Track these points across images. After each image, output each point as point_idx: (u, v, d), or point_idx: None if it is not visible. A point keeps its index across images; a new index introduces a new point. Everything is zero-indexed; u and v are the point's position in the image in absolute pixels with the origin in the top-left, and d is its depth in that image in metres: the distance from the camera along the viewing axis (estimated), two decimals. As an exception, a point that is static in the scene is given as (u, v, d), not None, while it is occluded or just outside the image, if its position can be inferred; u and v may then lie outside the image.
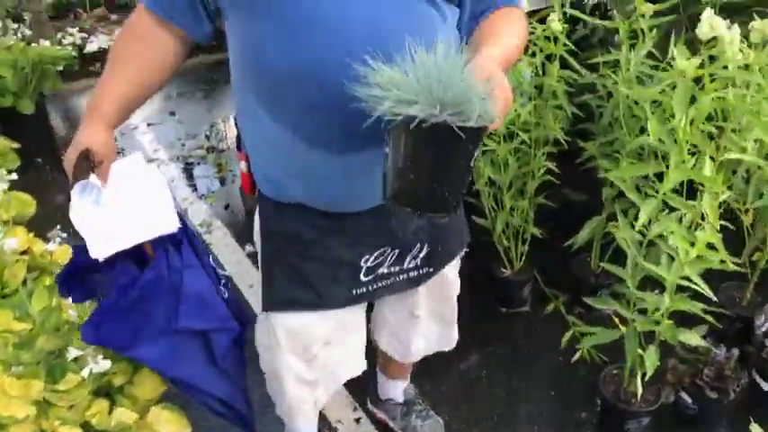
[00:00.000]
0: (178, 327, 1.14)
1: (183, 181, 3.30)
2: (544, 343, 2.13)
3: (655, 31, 1.88)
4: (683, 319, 1.55)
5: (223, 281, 1.25)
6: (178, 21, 1.11)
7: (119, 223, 1.11)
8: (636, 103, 1.88)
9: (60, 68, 3.83)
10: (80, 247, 1.14)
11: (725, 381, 1.69)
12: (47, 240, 1.92)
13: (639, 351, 1.57)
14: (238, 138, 1.25)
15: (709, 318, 1.50)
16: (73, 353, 1.28)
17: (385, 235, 1.22)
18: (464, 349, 2.19)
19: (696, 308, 1.41)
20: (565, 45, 1.91)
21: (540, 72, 1.96)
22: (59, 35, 4.80)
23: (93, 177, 1.09)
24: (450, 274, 1.43)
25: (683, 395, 1.74)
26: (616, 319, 1.63)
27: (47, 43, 4.04)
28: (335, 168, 1.09)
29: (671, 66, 1.73)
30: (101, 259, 1.08)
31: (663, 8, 1.86)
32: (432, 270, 1.33)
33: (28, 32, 4.45)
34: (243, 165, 1.25)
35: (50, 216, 2.11)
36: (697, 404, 1.73)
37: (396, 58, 0.89)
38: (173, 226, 1.13)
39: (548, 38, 1.91)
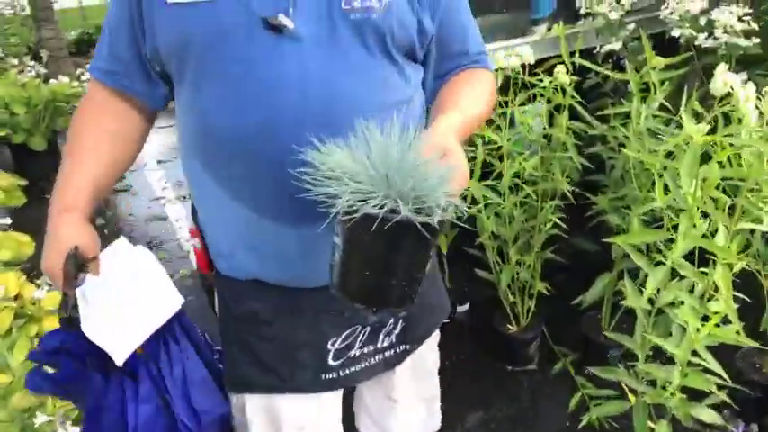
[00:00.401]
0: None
1: (188, 221, 3.27)
2: (551, 404, 2.02)
3: (667, 83, 1.81)
4: (697, 391, 1.44)
5: (217, 356, 1.17)
6: (131, 89, 1.05)
7: (128, 318, 1.02)
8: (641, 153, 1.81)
9: (74, 105, 3.86)
10: (53, 333, 1.06)
11: (743, 458, 1.57)
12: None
13: (650, 424, 1.47)
14: (193, 211, 1.16)
15: (723, 395, 1.39)
16: (41, 418, 1.22)
17: (352, 313, 1.11)
18: (467, 408, 2.11)
19: (709, 383, 1.31)
20: (573, 97, 1.84)
21: (548, 123, 1.90)
22: (78, 71, 4.86)
23: (88, 277, 1.00)
24: (429, 348, 1.31)
25: (698, 472, 1.63)
26: (626, 387, 1.53)
27: (66, 79, 4.09)
28: (289, 241, 1.02)
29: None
30: (121, 363, 1.00)
31: (676, 61, 1.80)
32: (408, 348, 1.20)
33: (43, 71, 4.50)
34: (196, 241, 1.16)
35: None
36: (713, 482, 1.62)
37: (349, 138, 0.85)
38: (178, 303, 1.07)
39: (555, 89, 1.85)
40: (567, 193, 1.88)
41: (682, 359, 1.28)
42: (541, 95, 1.86)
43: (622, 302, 1.75)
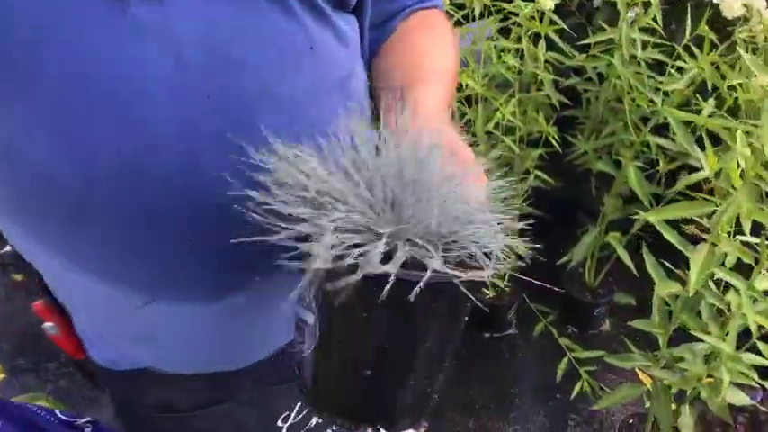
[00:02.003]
0: None
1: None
2: (536, 371, 1.85)
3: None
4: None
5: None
6: None
7: None
8: (635, 89, 1.56)
9: None
10: None
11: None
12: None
13: (673, 405, 1.29)
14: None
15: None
16: None
17: None
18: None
19: (751, 376, 1.12)
20: (553, 22, 1.54)
21: (520, 60, 1.60)
22: None
23: None
24: None
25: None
26: (639, 372, 1.34)
27: None
28: (200, 322, 0.70)
29: (689, 55, 1.41)
30: None
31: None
32: None
33: None
34: (50, 326, 0.78)
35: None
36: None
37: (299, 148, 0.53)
38: None
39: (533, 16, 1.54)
40: (553, 140, 1.62)
41: (728, 351, 1.08)
42: (518, 25, 1.55)
43: (614, 247, 1.57)
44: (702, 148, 1.26)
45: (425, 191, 0.50)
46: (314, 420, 0.86)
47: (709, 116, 1.40)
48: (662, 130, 1.56)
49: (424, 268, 0.45)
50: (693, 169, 1.51)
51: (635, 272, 1.56)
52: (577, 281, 1.90)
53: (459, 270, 0.47)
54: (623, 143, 1.62)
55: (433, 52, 0.75)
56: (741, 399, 1.25)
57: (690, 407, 1.27)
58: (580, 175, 1.78)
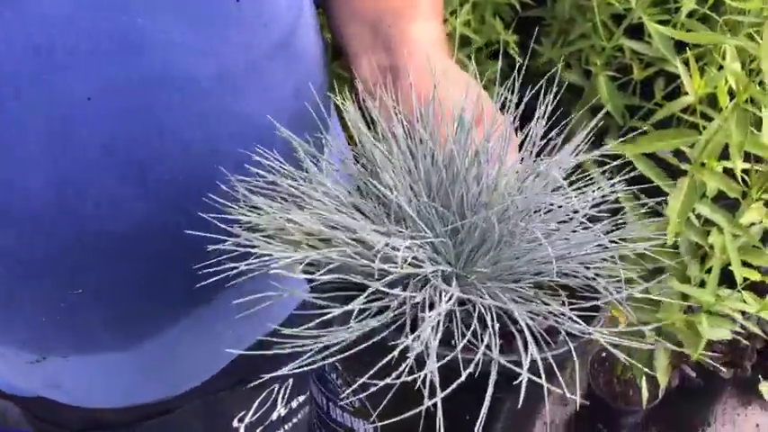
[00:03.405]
0: None
1: None
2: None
3: None
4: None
5: None
6: None
7: None
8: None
9: None
10: None
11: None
12: None
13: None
14: None
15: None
16: None
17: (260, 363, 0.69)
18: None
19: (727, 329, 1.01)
20: None
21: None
22: None
23: None
24: None
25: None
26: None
27: None
28: (107, 372, 0.58)
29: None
30: None
31: None
32: None
33: None
34: None
35: None
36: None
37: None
38: None
39: None
40: (513, 49, 1.42)
41: (708, 300, 0.96)
42: None
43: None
44: (681, 50, 1.10)
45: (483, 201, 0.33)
46: (275, 414, 0.77)
47: (689, 15, 1.23)
48: (636, 32, 1.37)
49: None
50: (671, 77, 1.34)
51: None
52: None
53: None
54: (594, 49, 1.44)
55: None
56: (722, 334, 1.15)
57: (664, 350, 1.18)
58: (547, 88, 1.60)
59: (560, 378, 0.32)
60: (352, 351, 0.29)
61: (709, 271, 0.99)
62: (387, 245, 0.29)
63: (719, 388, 1.48)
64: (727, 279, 1.00)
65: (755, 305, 0.92)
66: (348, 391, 0.31)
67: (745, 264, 0.95)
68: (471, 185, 0.32)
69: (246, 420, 0.75)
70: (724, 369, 1.39)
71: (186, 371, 0.63)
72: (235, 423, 0.75)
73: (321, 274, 0.30)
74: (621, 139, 0.97)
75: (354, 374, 0.32)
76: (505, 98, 0.40)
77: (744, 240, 0.94)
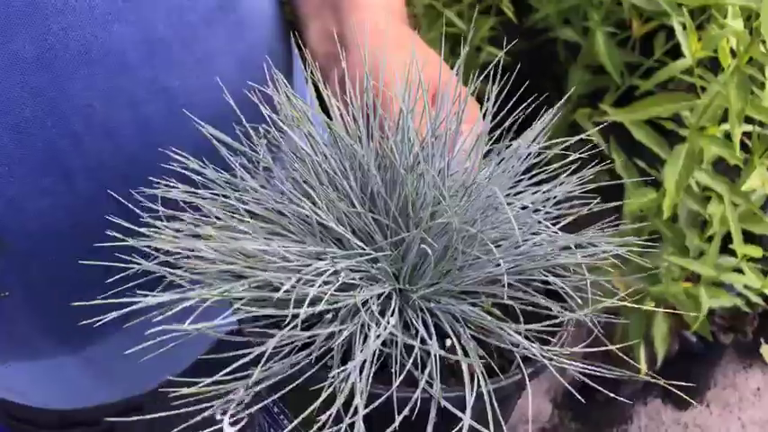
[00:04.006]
0: None
1: None
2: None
3: None
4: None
5: None
6: None
7: None
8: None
9: None
10: None
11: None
12: None
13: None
14: None
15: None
16: None
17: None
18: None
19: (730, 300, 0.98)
20: None
21: None
22: None
23: None
24: None
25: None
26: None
27: None
28: (56, 377, 0.55)
29: None
30: None
31: None
32: None
33: None
34: None
35: None
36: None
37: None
38: None
39: None
40: (506, 7, 1.36)
41: (709, 274, 0.92)
42: None
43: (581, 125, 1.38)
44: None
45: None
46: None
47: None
48: (636, -16, 1.30)
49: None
50: (673, 32, 1.27)
51: (606, 151, 1.38)
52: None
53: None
54: (591, 3, 1.37)
55: None
56: (722, 301, 1.12)
57: (664, 314, 1.15)
58: (544, 46, 1.53)
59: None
60: (286, 387, 0.26)
61: (709, 240, 0.95)
62: (299, 280, 0.25)
63: (720, 352, 1.45)
64: (726, 247, 0.96)
65: (757, 281, 0.88)
66: (289, 426, 0.27)
67: (745, 233, 0.91)
68: (411, 192, 0.28)
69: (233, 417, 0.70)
70: (724, 335, 1.36)
71: (141, 374, 0.59)
72: (218, 416, 0.70)
73: (234, 310, 0.26)
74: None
75: (293, 409, 0.29)
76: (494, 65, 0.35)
77: (743, 209, 0.89)
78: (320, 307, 0.24)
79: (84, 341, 0.50)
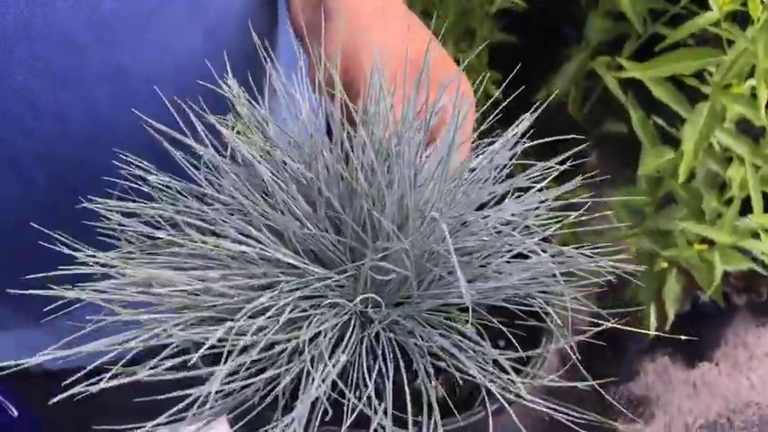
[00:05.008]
0: None
1: None
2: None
3: None
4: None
5: None
6: None
7: None
8: None
9: None
10: None
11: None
12: None
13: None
14: None
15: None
16: None
17: None
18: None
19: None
20: None
21: None
22: None
23: None
24: None
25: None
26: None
27: None
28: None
29: None
30: None
31: None
32: None
33: None
34: None
35: None
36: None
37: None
38: None
39: None
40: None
41: (725, 241, 0.88)
42: None
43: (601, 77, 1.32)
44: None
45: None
46: None
47: None
48: None
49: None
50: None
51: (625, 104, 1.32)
52: (561, 114, 1.66)
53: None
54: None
55: None
56: (738, 265, 1.09)
57: (677, 274, 1.12)
58: None
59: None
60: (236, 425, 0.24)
61: (728, 202, 0.91)
62: (231, 329, 0.22)
63: (732, 312, 1.43)
64: (743, 208, 0.93)
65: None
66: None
67: (765, 196, 0.87)
68: (378, 201, 0.25)
69: None
70: (738, 296, 1.33)
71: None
72: None
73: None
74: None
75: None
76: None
77: (765, 171, 0.85)
78: (253, 355, 0.22)
79: (51, 313, 0.48)
